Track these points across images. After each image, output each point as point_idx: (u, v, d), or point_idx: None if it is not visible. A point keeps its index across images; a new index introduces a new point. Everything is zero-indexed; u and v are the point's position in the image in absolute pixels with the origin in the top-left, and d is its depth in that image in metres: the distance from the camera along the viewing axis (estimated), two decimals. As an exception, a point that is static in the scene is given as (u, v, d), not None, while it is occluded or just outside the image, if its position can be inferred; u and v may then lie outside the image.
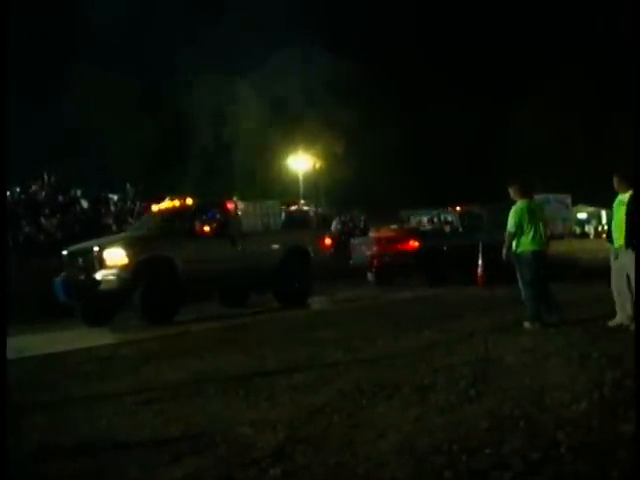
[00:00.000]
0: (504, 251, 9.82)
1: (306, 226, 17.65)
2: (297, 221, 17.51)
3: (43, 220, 19.89)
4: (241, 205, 15.70)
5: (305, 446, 4.80)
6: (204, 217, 14.77)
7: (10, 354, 9.41)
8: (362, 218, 30.47)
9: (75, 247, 14.34)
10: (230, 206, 15.36)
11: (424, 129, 42.61)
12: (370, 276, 20.14)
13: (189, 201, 15.22)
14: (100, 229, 18.82)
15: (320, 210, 31.55)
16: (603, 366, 6.60)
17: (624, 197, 8.88)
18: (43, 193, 22.37)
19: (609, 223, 9.64)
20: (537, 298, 9.76)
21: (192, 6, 41.19)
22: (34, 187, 22.68)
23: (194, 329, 12.17)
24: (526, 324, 9.65)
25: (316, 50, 41.27)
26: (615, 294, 9.14)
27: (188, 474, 4.46)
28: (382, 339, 9.35)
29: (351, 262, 20.38)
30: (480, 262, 16.32)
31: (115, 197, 25.24)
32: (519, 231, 9.74)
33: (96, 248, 13.35)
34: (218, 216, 14.99)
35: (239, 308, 15.68)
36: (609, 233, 9.36)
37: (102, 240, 14.40)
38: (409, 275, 19.29)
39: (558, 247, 26.92)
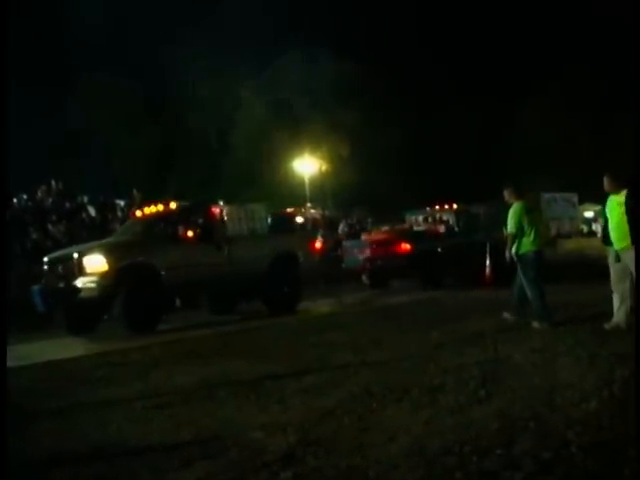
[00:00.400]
0: (507, 252, 10.05)
1: (294, 229, 16.87)
2: (285, 224, 16.81)
3: (50, 227, 19.94)
4: (226, 209, 15.25)
5: (316, 449, 4.81)
6: (190, 221, 14.29)
7: (18, 361, 9.49)
8: (369, 220, 30.41)
9: (55, 254, 14.02)
10: (215, 210, 14.94)
11: (429, 129, 42.59)
12: (364, 279, 19.89)
13: (173, 205, 14.81)
14: (107, 234, 18.80)
15: (327, 213, 31.55)
16: (612, 365, 6.60)
17: (619, 197, 8.70)
18: (50, 200, 22.43)
19: (605, 225, 9.30)
20: (543, 297, 9.82)
21: (195, 9, 41.25)
22: (40, 193, 22.75)
23: (193, 335, 12.06)
24: (534, 324, 9.67)
25: (319, 51, 41.28)
26: (617, 296, 9.01)
27: (199, 478, 4.46)
28: (389, 341, 9.37)
29: (343, 265, 20.13)
30: (488, 262, 16.29)
31: (122, 202, 25.27)
32: (519, 232, 9.91)
33: (75, 255, 12.97)
34: (202, 221, 14.53)
35: (228, 315, 15.20)
36: (605, 235, 9.14)
37: (82, 247, 14.00)
38: (404, 277, 19.00)
39: (567, 245, 26.90)
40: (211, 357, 9.29)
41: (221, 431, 5.45)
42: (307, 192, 36.00)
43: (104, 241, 15.13)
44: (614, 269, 9.08)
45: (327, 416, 5.65)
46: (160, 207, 14.97)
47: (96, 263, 12.71)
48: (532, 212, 10.15)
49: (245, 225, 15.24)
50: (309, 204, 32.26)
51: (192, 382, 7.53)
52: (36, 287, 13.49)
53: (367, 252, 19.13)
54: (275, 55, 42.53)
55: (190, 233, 13.93)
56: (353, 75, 41.52)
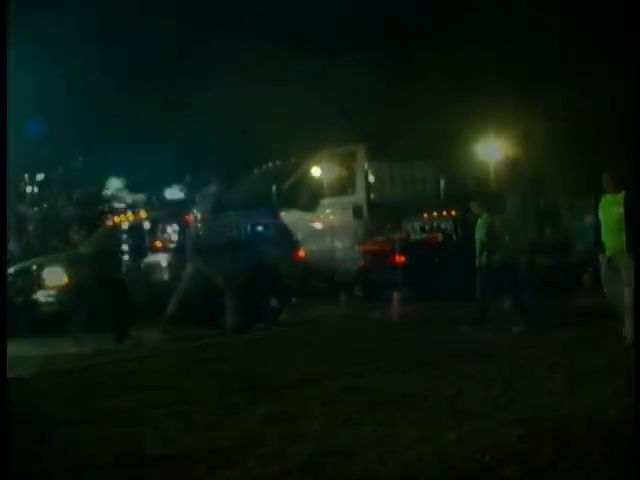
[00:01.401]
0: (477, 260, 10.96)
1: (277, 238, 15.90)
2: (266, 233, 15.83)
3: (72, 235, 20.08)
4: (200, 217, 14.05)
5: (334, 457, 4.79)
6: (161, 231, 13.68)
7: (36, 367, 9.54)
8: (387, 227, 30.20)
9: (18, 266, 13.40)
10: (188, 219, 13.94)
11: (448, 137, 42.41)
12: (357, 290, 18.88)
13: (143, 214, 14.24)
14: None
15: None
16: (633, 373, 6.52)
17: (616, 198, 8.54)
18: (71, 208, 22.61)
19: (597, 230, 9.00)
20: (486, 309, 10.71)
21: (210, 15, 41.29)
22: (60, 202, 22.96)
23: (206, 343, 11.89)
24: (466, 327, 10.36)
25: (337, 57, 41.15)
26: (626, 305, 8.50)
27: (219, 487, 4.46)
28: (405, 349, 9.33)
29: (335, 277, 19.44)
30: None
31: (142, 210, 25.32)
32: (489, 243, 10.79)
33: (34, 267, 12.52)
34: (174, 230, 13.75)
35: (212, 329, 14.00)
36: (598, 240, 8.89)
37: (42, 258, 13.61)
38: (398, 290, 18.18)
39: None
40: (229, 365, 9.28)
41: (240, 439, 5.44)
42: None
43: (66, 253, 14.71)
44: (612, 277, 8.76)
45: (345, 424, 5.63)
46: (130, 216, 14.47)
47: (55, 276, 12.16)
48: (501, 224, 11.02)
49: (221, 234, 14.19)
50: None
51: (211, 390, 7.52)
52: None
53: (360, 263, 18.55)
54: (294, 62, 42.49)
55: (158, 243, 13.30)
56: (373, 83, 41.40)
